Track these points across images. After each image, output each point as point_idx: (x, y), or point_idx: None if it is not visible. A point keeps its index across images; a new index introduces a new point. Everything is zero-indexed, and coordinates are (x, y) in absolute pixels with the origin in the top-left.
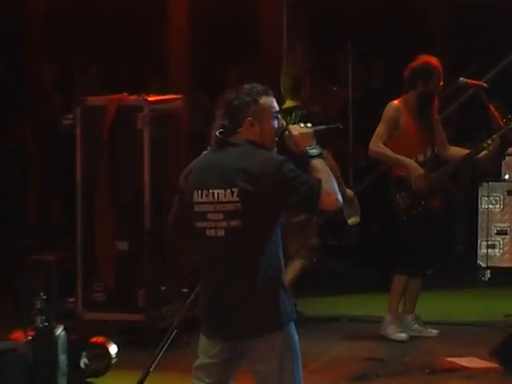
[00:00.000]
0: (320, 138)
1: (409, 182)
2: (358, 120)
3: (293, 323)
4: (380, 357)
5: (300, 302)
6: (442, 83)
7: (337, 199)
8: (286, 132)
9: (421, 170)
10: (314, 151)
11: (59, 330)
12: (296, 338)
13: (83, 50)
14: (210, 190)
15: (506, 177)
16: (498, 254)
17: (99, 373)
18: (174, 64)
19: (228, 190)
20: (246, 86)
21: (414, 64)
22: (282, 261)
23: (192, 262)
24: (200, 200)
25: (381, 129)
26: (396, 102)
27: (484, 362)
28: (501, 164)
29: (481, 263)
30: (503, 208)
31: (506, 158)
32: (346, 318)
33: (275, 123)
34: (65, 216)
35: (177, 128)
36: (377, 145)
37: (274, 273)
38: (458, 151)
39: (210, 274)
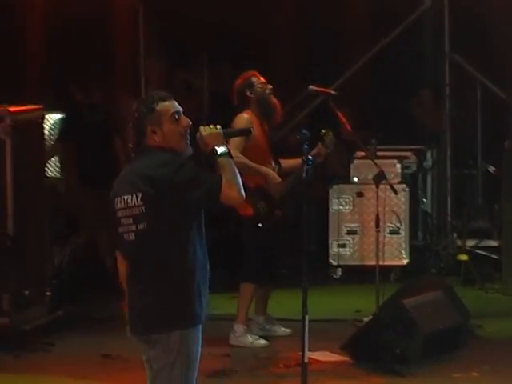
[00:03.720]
0: None
1: (267, 191)
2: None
3: (198, 326)
4: (236, 354)
5: None
6: (269, 88)
7: (238, 193)
8: (198, 133)
9: (278, 178)
10: (221, 150)
11: None
12: (197, 341)
13: None
14: (122, 197)
15: (355, 179)
16: (348, 253)
17: None
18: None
19: (134, 195)
20: (144, 97)
21: (237, 82)
22: (197, 262)
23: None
24: (117, 207)
25: (237, 140)
26: (246, 114)
27: (335, 355)
28: (350, 167)
29: (332, 261)
30: (353, 209)
31: (355, 161)
32: None
33: (176, 125)
34: None
35: (38, 136)
36: (235, 155)
37: (180, 274)
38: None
39: (130, 275)
